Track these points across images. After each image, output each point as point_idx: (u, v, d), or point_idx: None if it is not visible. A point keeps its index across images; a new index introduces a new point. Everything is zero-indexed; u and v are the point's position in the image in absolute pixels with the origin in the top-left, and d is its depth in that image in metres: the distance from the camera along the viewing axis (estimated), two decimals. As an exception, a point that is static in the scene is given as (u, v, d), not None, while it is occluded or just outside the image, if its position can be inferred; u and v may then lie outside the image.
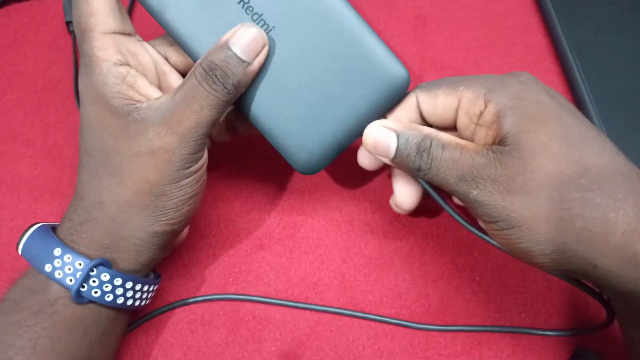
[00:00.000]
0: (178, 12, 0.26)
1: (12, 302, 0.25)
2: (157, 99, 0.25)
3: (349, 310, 0.32)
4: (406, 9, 0.40)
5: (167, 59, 0.28)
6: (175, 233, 0.27)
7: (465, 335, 0.31)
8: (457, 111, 0.25)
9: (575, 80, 0.37)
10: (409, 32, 0.39)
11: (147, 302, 0.28)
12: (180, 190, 0.25)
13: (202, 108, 0.24)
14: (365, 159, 0.29)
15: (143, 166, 0.24)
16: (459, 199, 0.24)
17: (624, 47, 0.37)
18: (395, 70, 0.25)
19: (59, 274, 0.24)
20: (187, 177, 0.25)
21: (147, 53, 0.27)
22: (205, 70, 0.24)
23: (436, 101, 0.25)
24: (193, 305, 0.32)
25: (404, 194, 0.28)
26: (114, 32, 0.25)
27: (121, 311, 0.27)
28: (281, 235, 0.34)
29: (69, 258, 0.24)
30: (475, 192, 0.23)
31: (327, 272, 0.33)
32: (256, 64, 0.25)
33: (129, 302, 0.26)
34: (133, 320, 0.32)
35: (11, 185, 0.35)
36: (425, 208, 0.34)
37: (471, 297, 0.32)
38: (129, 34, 0.26)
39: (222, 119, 0.29)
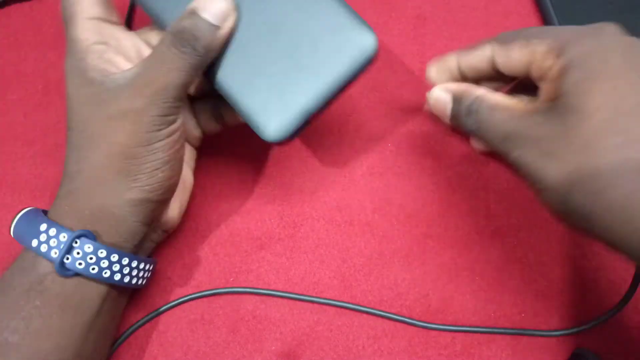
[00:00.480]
0: None
1: (3, 284, 0.26)
2: (129, 68, 0.25)
3: (350, 303, 0.32)
4: (406, 9, 0.40)
5: (148, 45, 0.29)
6: (153, 203, 0.27)
7: (465, 335, 0.32)
8: (530, 64, 0.24)
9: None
10: (409, 32, 0.39)
11: (141, 281, 0.28)
12: (152, 154, 0.25)
13: (170, 70, 0.24)
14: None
15: (114, 129, 0.25)
16: (503, 158, 0.24)
17: (624, 47, 0.38)
18: (361, 36, 0.25)
19: (45, 247, 0.25)
20: (159, 141, 0.25)
21: (129, 38, 0.28)
22: (174, 35, 0.24)
23: (510, 54, 0.25)
24: (193, 305, 0.32)
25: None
26: (97, 19, 0.26)
27: (113, 290, 0.27)
28: (281, 235, 0.34)
29: (53, 231, 0.25)
30: (516, 153, 0.23)
31: (327, 272, 0.33)
32: (226, 28, 0.25)
33: (117, 277, 0.26)
34: (133, 321, 0.32)
35: (11, 185, 0.35)
36: (426, 208, 0.34)
37: (471, 297, 0.32)
38: (113, 23, 0.27)
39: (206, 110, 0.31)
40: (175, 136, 0.26)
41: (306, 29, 0.25)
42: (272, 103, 0.26)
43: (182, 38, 0.24)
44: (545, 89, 0.23)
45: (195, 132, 0.32)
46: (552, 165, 0.21)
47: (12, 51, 0.39)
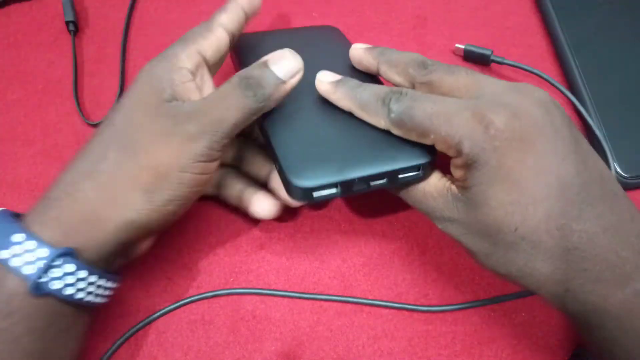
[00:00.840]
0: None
1: None
2: (196, 100, 0.26)
3: (352, 297, 0.32)
4: (406, 9, 0.40)
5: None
6: (142, 232, 0.26)
7: (465, 335, 0.32)
8: (430, 138, 0.25)
9: (575, 80, 0.37)
10: (409, 32, 0.39)
11: (104, 300, 0.27)
12: (180, 183, 0.25)
13: (228, 108, 0.25)
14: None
15: (161, 145, 0.25)
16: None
17: (624, 47, 0.38)
18: (420, 152, 0.27)
19: (17, 262, 0.22)
20: (193, 173, 0.25)
21: (211, 87, 0.30)
22: (241, 78, 0.26)
23: (411, 136, 0.25)
24: (193, 305, 0.32)
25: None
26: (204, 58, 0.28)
27: (80, 307, 0.26)
28: (281, 235, 0.34)
29: (31, 245, 0.23)
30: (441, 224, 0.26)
31: (327, 272, 0.33)
32: (290, 84, 0.26)
33: (88, 298, 0.25)
34: (133, 322, 0.32)
35: (11, 185, 0.35)
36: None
37: (471, 297, 0.32)
38: (209, 68, 0.29)
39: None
40: (206, 177, 0.26)
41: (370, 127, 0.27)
42: (314, 157, 0.26)
43: (248, 83, 0.25)
44: (454, 170, 0.25)
45: (209, 190, 0.33)
46: (474, 240, 0.25)
47: (12, 51, 0.39)
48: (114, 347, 0.31)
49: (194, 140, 0.25)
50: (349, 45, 0.32)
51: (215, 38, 0.28)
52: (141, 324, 0.32)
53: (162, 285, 0.33)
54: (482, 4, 0.40)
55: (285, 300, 0.32)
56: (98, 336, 0.31)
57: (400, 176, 0.27)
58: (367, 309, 0.32)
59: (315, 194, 0.26)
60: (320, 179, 0.25)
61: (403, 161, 0.26)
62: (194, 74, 0.27)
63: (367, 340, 0.31)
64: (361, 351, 0.31)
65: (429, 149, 0.26)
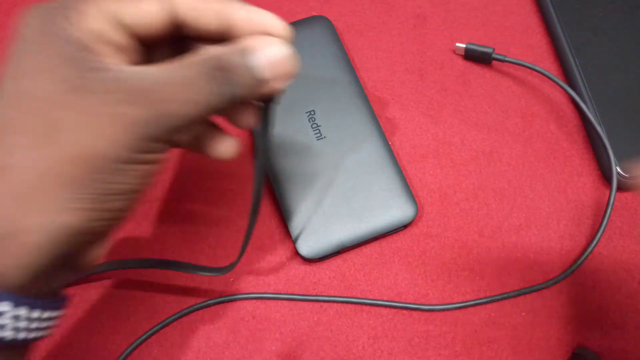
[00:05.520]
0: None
1: None
2: (140, 67, 0.20)
3: (352, 297, 0.32)
4: (406, 9, 0.40)
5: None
6: (82, 238, 0.20)
7: (465, 336, 0.31)
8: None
9: (575, 79, 0.37)
10: (409, 31, 0.39)
11: (43, 334, 0.20)
12: (120, 175, 0.19)
13: (185, 101, 0.19)
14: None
15: (93, 128, 0.18)
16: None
17: (624, 47, 0.37)
18: (407, 205, 0.32)
19: None
20: (136, 164, 0.20)
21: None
22: (209, 67, 0.20)
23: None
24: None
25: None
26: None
27: (8, 349, 0.20)
28: (281, 235, 0.34)
29: None
30: None
31: (327, 272, 0.33)
32: (274, 85, 0.21)
33: (19, 336, 0.19)
34: (137, 328, 0.32)
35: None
36: (426, 207, 0.34)
37: (471, 297, 0.32)
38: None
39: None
40: (157, 167, 0.21)
41: (366, 181, 0.32)
42: (316, 229, 0.32)
43: (217, 75, 0.20)
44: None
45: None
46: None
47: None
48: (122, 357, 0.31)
49: (135, 127, 0.19)
50: (337, 41, 0.33)
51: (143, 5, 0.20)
52: (146, 336, 0.31)
53: (162, 285, 0.33)
54: (482, 3, 0.40)
55: (285, 300, 0.32)
56: (99, 347, 0.31)
57: (387, 233, 0.32)
58: (367, 308, 0.32)
59: (316, 258, 0.32)
60: (323, 251, 0.31)
61: (392, 225, 0.32)
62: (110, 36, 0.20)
63: (367, 340, 0.31)
64: (361, 351, 0.31)
65: (413, 206, 0.32)
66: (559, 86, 0.36)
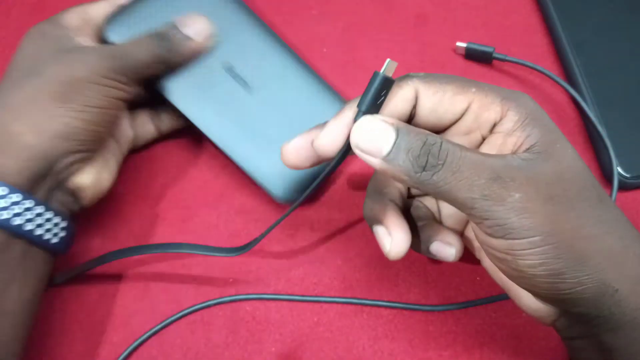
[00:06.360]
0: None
1: None
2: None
3: (351, 298, 0.32)
4: (407, 8, 0.40)
5: None
6: (67, 143, 0.26)
7: (466, 336, 0.31)
8: (463, 113, 0.23)
9: (576, 79, 0.37)
10: (410, 31, 0.39)
11: (53, 238, 0.26)
12: (93, 91, 0.27)
13: (139, 49, 0.29)
14: (294, 153, 0.25)
15: (68, 63, 0.27)
16: (466, 207, 0.20)
17: (624, 47, 0.37)
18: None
19: None
20: (102, 85, 0.27)
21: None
22: (152, 32, 0.30)
23: (444, 97, 0.22)
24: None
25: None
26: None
27: (17, 245, 0.25)
28: (281, 235, 0.34)
29: None
30: (517, 195, 0.20)
31: (327, 272, 0.33)
32: (198, 43, 0.31)
33: (16, 222, 0.24)
34: (134, 325, 0.32)
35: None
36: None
37: (472, 297, 0.32)
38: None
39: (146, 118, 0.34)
40: (119, 94, 0.28)
41: (305, 112, 0.33)
42: (283, 172, 0.31)
43: (157, 34, 0.30)
44: (499, 141, 0.22)
45: (129, 131, 0.33)
46: (552, 211, 0.20)
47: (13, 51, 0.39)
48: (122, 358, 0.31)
49: (103, 60, 0.27)
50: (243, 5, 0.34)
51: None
52: (145, 336, 0.31)
53: (161, 285, 0.33)
54: (483, 3, 0.40)
55: (285, 301, 0.32)
56: (99, 346, 0.31)
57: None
58: (367, 309, 0.32)
59: (292, 199, 0.31)
60: (296, 189, 0.31)
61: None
62: (81, 30, 0.30)
63: (368, 341, 0.31)
64: (362, 352, 0.31)
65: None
66: (560, 86, 0.36)
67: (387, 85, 0.22)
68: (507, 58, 0.37)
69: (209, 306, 0.32)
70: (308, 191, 0.25)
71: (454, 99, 0.22)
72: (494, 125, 0.22)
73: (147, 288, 0.33)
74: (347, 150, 0.23)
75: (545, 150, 0.21)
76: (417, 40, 0.39)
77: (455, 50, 0.38)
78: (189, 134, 0.36)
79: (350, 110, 0.22)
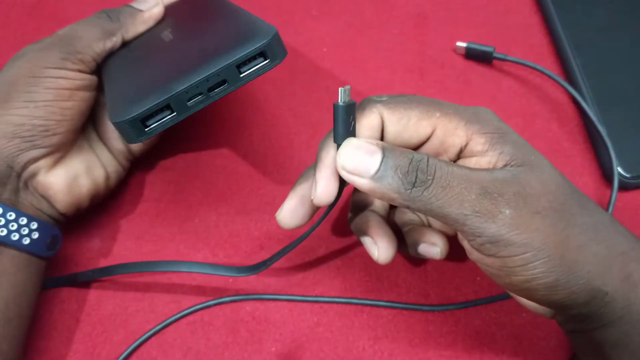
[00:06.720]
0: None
1: None
2: None
3: (351, 298, 0.32)
4: (407, 8, 0.40)
5: None
6: (24, 140, 0.27)
7: (466, 336, 0.31)
8: (429, 137, 0.23)
9: (576, 79, 0.37)
10: (410, 31, 0.39)
11: (23, 239, 0.27)
12: (31, 85, 0.27)
13: (84, 28, 0.29)
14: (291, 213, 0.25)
15: (15, 63, 0.28)
16: (458, 223, 0.21)
17: (624, 47, 0.37)
18: (259, 28, 0.25)
19: None
20: (45, 77, 0.27)
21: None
22: (102, 10, 0.31)
23: (408, 124, 0.23)
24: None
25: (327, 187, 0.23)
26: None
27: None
28: (281, 235, 0.34)
29: None
30: (507, 212, 0.20)
31: (328, 273, 0.33)
32: (146, 13, 0.31)
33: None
34: (134, 326, 0.32)
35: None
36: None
37: (472, 297, 0.32)
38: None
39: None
40: (66, 83, 0.28)
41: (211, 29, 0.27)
42: (136, 89, 0.25)
43: (105, 11, 0.31)
44: (471, 163, 0.23)
45: (118, 145, 0.32)
46: (540, 223, 0.21)
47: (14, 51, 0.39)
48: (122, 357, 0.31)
49: (48, 51, 0.28)
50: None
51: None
52: (146, 336, 0.31)
53: (160, 285, 0.33)
54: (483, 2, 0.40)
55: (285, 301, 0.32)
56: (99, 346, 0.31)
57: (242, 71, 0.24)
58: (367, 309, 0.32)
59: (150, 125, 0.24)
60: (145, 104, 0.24)
61: (237, 51, 0.23)
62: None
63: (368, 341, 0.31)
64: (362, 352, 0.31)
65: (266, 28, 0.24)
66: (560, 85, 0.36)
67: (350, 110, 0.22)
68: (507, 58, 0.37)
69: (209, 306, 0.32)
70: (319, 221, 0.25)
71: (418, 124, 0.23)
72: (461, 150, 0.23)
73: (147, 288, 0.33)
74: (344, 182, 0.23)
75: (523, 163, 0.21)
76: (417, 40, 0.39)
77: (456, 50, 0.38)
78: (189, 134, 0.36)
79: (329, 153, 0.23)
